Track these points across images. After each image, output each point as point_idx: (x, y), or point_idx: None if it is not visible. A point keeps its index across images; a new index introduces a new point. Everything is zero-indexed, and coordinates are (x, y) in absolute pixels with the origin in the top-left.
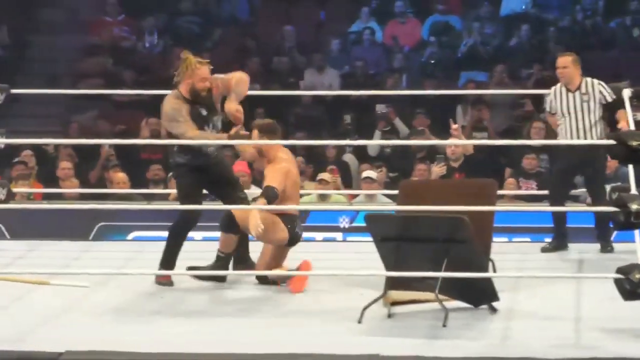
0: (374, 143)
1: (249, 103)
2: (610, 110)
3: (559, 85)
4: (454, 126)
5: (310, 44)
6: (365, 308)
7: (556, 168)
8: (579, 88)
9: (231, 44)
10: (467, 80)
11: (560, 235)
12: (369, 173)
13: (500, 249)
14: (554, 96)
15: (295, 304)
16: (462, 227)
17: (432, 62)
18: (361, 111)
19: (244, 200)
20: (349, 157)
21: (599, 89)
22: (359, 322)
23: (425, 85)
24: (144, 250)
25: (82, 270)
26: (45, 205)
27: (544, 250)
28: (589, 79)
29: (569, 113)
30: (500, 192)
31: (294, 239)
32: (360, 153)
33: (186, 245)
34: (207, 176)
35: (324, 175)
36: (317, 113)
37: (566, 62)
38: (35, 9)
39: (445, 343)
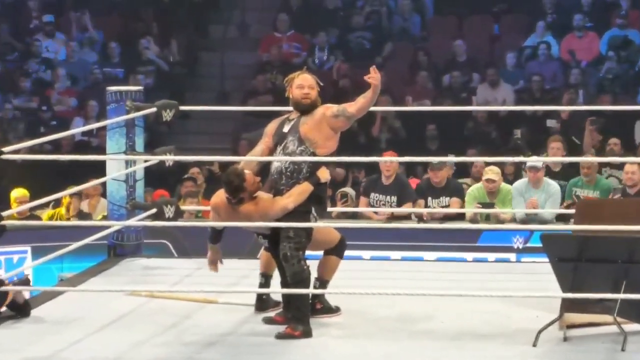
0: (537, 160)
1: (419, 119)
2: None
3: None
4: None
5: (484, 58)
6: (540, 331)
7: None
8: None
9: (402, 59)
10: None
11: None
12: None
13: None
14: None
15: (466, 325)
16: None
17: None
18: (534, 127)
19: None
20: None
21: None
22: (534, 345)
23: (602, 101)
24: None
25: (250, 288)
26: (211, 223)
27: None
28: None
29: None
30: None
31: None
32: None
33: None
34: None
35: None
36: (489, 129)
37: None
38: (205, 25)
39: None
